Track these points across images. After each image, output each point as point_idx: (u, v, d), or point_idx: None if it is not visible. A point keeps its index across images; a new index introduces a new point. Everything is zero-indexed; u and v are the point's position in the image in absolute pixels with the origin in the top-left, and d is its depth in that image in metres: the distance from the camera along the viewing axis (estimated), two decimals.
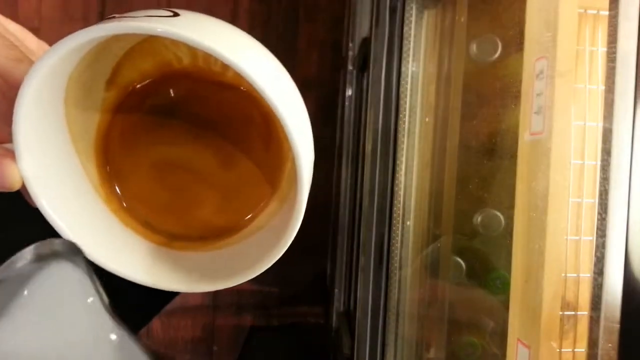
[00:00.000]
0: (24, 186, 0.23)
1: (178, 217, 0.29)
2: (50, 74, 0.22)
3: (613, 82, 0.28)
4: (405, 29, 0.45)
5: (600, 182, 0.29)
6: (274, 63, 0.24)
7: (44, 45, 0.29)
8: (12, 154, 0.23)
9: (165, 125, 0.29)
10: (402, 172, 0.47)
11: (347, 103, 0.84)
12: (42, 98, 0.23)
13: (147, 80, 0.28)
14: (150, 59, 0.27)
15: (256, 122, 0.28)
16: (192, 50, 0.27)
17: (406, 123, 0.47)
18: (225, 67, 0.26)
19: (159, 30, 0.20)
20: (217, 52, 0.20)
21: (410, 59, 0.46)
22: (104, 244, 0.26)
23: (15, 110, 0.21)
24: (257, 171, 0.29)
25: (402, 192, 0.47)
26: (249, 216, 0.29)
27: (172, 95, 0.29)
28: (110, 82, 0.27)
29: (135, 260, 0.27)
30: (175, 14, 0.22)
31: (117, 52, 0.27)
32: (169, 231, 0.29)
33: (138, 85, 0.28)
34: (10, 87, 0.22)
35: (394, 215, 0.47)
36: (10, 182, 0.23)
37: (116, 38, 0.25)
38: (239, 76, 0.22)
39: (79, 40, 0.21)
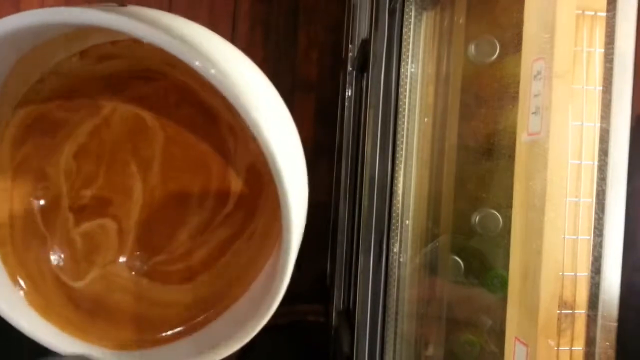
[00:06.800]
0: None
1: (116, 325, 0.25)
2: None
3: (610, 83, 0.29)
4: (404, 30, 0.46)
5: (597, 182, 0.29)
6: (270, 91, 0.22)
7: None
8: None
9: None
10: (401, 172, 0.47)
11: (346, 104, 0.84)
12: None
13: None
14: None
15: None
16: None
17: (405, 123, 0.47)
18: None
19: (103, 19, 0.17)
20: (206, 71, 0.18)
21: (409, 60, 0.46)
22: None
23: None
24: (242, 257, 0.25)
25: (401, 192, 0.47)
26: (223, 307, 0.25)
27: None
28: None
29: None
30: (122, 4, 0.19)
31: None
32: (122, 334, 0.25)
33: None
34: None
35: (393, 214, 0.47)
36: None
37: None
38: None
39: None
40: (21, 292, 0.24)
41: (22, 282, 0.24)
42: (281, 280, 0.21)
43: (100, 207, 0.25)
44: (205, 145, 0.24)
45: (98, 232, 0.25)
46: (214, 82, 0.18)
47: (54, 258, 0.25)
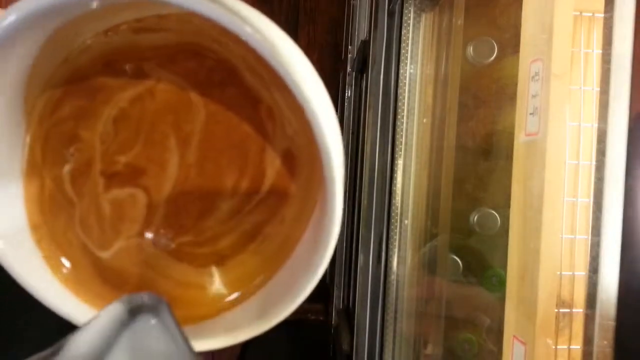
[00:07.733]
0: None
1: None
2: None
3: (608, 84, 0.29)
4: (404, 31, 0.46)
5: (595, 182, 0.29)
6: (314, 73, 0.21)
7: None
8: None
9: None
10: (400, 172, 0.48)
11: (346, 104, 0.85)
12: None
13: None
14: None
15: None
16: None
17: (404, 124, 0.47)
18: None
19: None
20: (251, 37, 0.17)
21: (408, 61, 0.47)
22: None
23: None
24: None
25: (400, 192, 0.48)
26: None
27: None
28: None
29: None
30: None
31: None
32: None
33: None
34: None
35: (392, 214, 0.47)
36: None
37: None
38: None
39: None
40: (60, 272, 0.24)
41: (61, 262, 0.24)
42: (318, 266, 0.21)
43: (132, 175, 0.25)
44: (246, 127, 0.24)
45: (127, 201, 0.25)
46: (268, 55, 0.18)
47: (81, 224, 0.25)
